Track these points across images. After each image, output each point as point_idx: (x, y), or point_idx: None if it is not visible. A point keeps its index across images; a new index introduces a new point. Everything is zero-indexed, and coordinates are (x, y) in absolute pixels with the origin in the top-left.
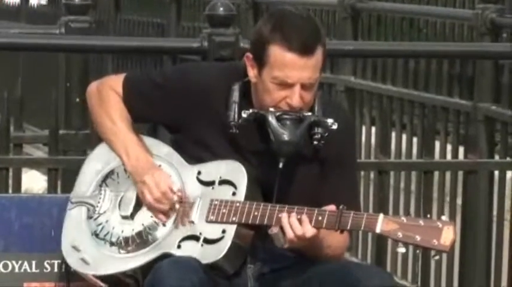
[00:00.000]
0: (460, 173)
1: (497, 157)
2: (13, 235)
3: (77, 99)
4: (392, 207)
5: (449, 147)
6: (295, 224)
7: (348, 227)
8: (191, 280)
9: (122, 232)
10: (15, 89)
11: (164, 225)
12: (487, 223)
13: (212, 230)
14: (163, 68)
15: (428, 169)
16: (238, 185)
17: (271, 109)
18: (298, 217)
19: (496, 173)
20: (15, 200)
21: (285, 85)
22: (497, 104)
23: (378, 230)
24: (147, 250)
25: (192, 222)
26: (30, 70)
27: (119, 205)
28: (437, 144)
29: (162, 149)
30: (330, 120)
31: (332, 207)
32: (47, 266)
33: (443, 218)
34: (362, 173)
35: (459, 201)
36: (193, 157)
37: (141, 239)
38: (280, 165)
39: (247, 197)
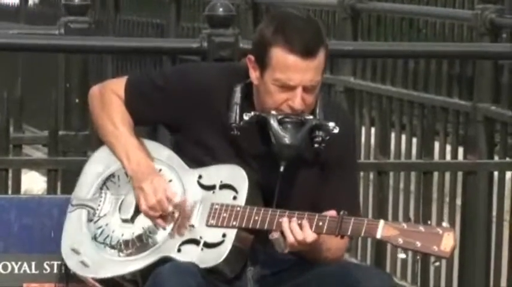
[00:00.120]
0: (460, 174)
1: (496, 158)
2: (13, 236)
3: (77, 100)
4: (392, 208)
5: (448, 147)
6: (295, 229)
7: (349, 233)
8: (190, 284)
9: (122, 235)
10: (15, 89)
11: (164, 229)
12: (486, 223)
13: (212, 234)
14: (164, 69)
15: (427, 169)
16: (239, 189)
17: (273, 112)
18: (299, 222)
19: (496, 173)
20: (14, 201)
21: (287, 87)
22: (496, 105)
23: (378, 236)
24: (147, 253)
25: (193, 226)
26: (30, 71)
27: (119, 208)
28: (436, 144)
29: (163, 153)
30: (331, 124)
31: (333, 212)
32: (47, 267)
33: (444, 224)
34: (361, 173)
35: (458, 202)
36: (194, 159)
37: (141, 243)
38: (281, 169)
39: (247, 202)
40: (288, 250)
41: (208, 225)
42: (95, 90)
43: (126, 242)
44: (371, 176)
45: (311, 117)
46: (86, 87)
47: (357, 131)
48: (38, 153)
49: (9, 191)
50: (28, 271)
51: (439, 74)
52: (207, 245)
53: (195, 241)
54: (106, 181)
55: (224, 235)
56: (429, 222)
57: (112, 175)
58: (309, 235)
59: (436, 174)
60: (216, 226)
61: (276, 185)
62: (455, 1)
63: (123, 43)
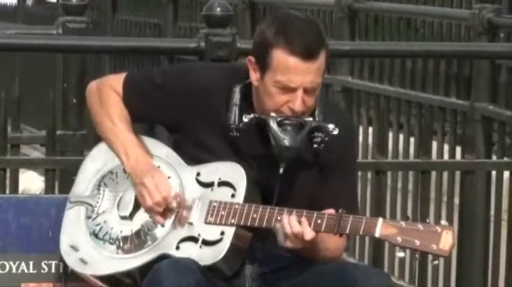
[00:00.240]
0: (458, 173)
1: (494, 157)
2: (10, 235)
3: (74, 100)
4: (390, 207)
5: (446, 147)
6: (293, 223)
7: (347, 231)
8: (188, 281)
9: (121, 232)
10: (13, 89)
11: (163, 226)
12: (484, 223)
13: (211, 232)
14: (163, 68)
15: (425, 169)
16: (238, 187)
17: (273, 114)
18: (298, 219)
19: (494, 173)
20: (12, 200)
21: (288, 89)
22: (494, 104)
23: (377, 235)
24: (146, 250)
25: (191, 223)
26: (28, 71)
27: (118, 205)
28: (434, 144)
29: (161, 150)
30: (330, 126)
31: (331, 210)
32: (45, 266)
33: (443, 222)
34: (359, 173)
35: (456, 201)
36: (192, 158)
37: (140, 240)
38: (281, 170)
39: (246, 199)
40: (285, 244)
41: (206, 222)
42: (92, 86)
43: (125, 239)
44: (369, 175)
45: (310, 119)
46: (84, 87)
47: (356, 132)
48: (36, 153)
49: (7, 191)
50: (26, 271)
51: (437, 74)
52: (206, 242)
53: (193, 239)
54: (104, 178)
55: (222, 233)
56: (428, 220)
57: (110, 172)
58: (307, 232)
59: (434, 173)
60: (215, 223)
61: (276, 187)
62: (452, 1)
63: (120, 43)
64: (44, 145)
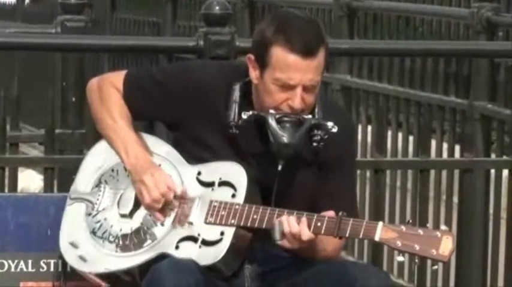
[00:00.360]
0: (456, 172)
1: (493, 156)
2: (9, 234)
3: (73, 99)
4: (389, 206)
5: (445, 145)
6: (292, 222)
7: (347, 235)
8: (188, 281)
9: (121, 230)
10: (12, 88)
11: (163, 225)
12: (483, 221)
13: (211, 232)
14: (164, 66)
15: (424, 167)
16: (238, 187)
17: (272, 111)
18: (297, 221)
19: (492, 171)
20: (11, 199)
21: (287, 87)
22: (493, 103)
23: (376, 238)
24: (145, 249)
25: (191, 223)
26: (26, 69)
27: (118, 203)
28: (433, 142)
29: (161, 148)
30: (330, 123)
31: (331, 213)
32: (43, 265)
33: (443, 227)
34: (358, 171)
35: (455, 199)
36: (193, 156)
37: (139, 238)
38: (280, 167)
39: (246, 200)
40: (282, 241)
41: (206, 222)
42: (93, 82)
43: (125, 237)
44: (368, 174)
45: (310, 116)
46: (83, 85)
47: (355, 131)
48: (35, 151)
49: (6, 190)
50: (25, 270)
51: (436, 72)
52: (205, 242)
53: (193, 238)
54: (105, 175)
55: (222, 233)
56: (428, 225)
57: (111, 169)
58: (305, 233)
59: (432, 172)
60: (215, 223)
61: (274, 184)
62: None
63: (119, 41)
64: (43, 144)
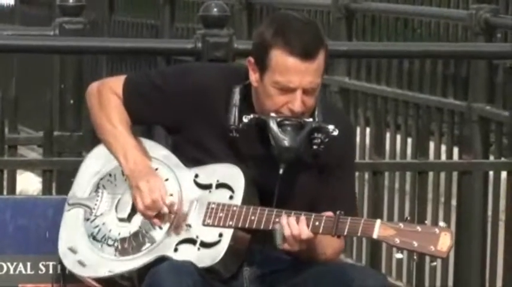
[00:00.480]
0: (455, 174)
1: (491, 158)
2: (8, 236)
3: (72, 101)
4: (387, 208)
5: (443, 147)
6: (292, 223)
7: (345, 233)
8: (187, 283)
9: (119, 234)
10: (10, 90)
11: (161, 228)
12: (481, 223)
13: (209, 234)
14: (163, 69)
15: (422, 169)
16: (236, 189)
17: (273, 114)
18: (296, 221)
19: (491, 173)
20: (9, 201)
21: (287, 90)
22: (491, 105)
23: (375, 236)
24: (144, 252)
25: (189, 225)
26: (25, 72)
27: (116, 207)
28: (431, 144)
29: (159, 152)
30: (330, 127)
31: (329, 213)
32: (42, 267)
33: (441, 224)
34: (357, 173)
35: (454, 202)
36: (191, 159)
37: (138, 242)
38: (281, 171)
39: (244, 201)
40: (283, 245)
41: (204, 224)
42: (93, 87)
43: (123, 241)
44: (366, 176)
45: (310, 119)
46: (81, 88)
47: (355, 133)
48: (33, 154)
49: (5, 192)
50: (23, 272)
51: (434, 74)
52: (204, 244)
53: (191, 241)
54: (103, 180)
55: (221, 235)
56: (426, 222)
57: (109, 174)
58: (305, 231)
59: (431, 174)
60: (213, 225)
61: (275, 187)
62: (449, 1)
63: (117, 44)
64: (41, 146)
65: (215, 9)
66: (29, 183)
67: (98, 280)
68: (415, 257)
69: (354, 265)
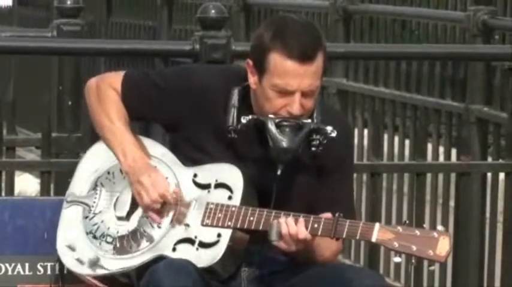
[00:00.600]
0: (453, 175)
1: (489, 159)
2: (6, 237)
3: (69, 102)
4: (385, 209)
5: (441, 149)
6: (290, 222)
7: (344, 236)
8: (186, 282)
9: (117, 232)
10: (8, 92)
11: (160, 227)
12: (479, 225)
13: (207, 234)
14: (163, 69)
15: (420, 171)
16: (234, 189)
17: (271, 115)
18: (295, 221)
19: (489, 175)
20: (8, 202)
21: (285, 93)
22: (489, 106)
23: (373, 239)
24: (142, 251)
25: (188, 225)
26: (23, 73)
27: (115, 206)
28: (429, 146)
29: (158, 150)
30: (329, 128)
31: (328, 214)
32: (40, 268)
33: (440, 228)
34: (355, 175)
35: (452, 203)
36: (189, 158)
37: (137, 240)
38: (279, 172)
39: (242, 202)
40: (279, 243)
41: (203, 225)
42: (92, 83)
43: (122, 240)
44: (364, 177)
45: (309, 121)
46: (79, 89)
47: (353, 135)
48: (31, 155)
49: (3, 193)
50: (22, 273)
51: (432, 76)
52: (202, 244)
53: (190, 240)
54: (101, 178)
55: (219, 235)
56: (424, 226)
57: (107, 172)
58: (302, 230)
59: (429, 175)
60: (211, 225)
61: (273, 188)
62: (447, 2)
63: (115, 45)
64: (40, 147)
65: (213, 11)
66: (27, 184)
67: (97, 277)
68: (413, 261)
69: (352, 265)
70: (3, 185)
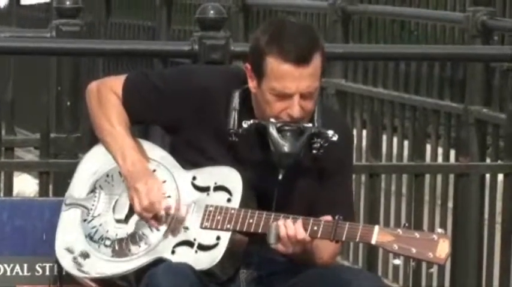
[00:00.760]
0: (452, 176)
1: (488, 160)
2: (5, 238)
3: (68, 103)
4: (383, 210)
5: (440, 150)
6: (289, 224)
7: (343, 238)
8: (184, 286)
9: (116, 235)
10: (7, 92)
11: (158, 230)
12: (478, 226)
13: (206, 237)
14: (163, 70)
15: (419, 171)
16: (234, 191)
17: (272, 120)
18: (294, 223)
19: (488, 176)
20: (6, 203)
21: (284, 96)
22: (488, 107)
23: (373, 242)
24: (141, 254)
25: (187, 227)
26: (22, 74)
27: (113, 208)
28: (428, 147)
29: (157, 153)
30: (330, 132)
31: (327, 217)
32: (39, 269)
33: (439, 230)
34: (353, 176)
35: (450, 204)
36: (189, 161)
37: (135, 243)
38: (280, 176)
39: (242, 204)
40: (277, 245)
41: (202, 227)
42: (93, 86)
43: (120, 242)
44: (362, 178)
45: (310, 125)
46: (78, 90)
47: (353, 138)
48: (30, 155)
49: (1, 194)
50: (20, 273)
51: (431, 77)
52: (201, 247)
53: (189, 243)
54: (100, 181)
55: (218, 238)
56: (424, 229)
57: (106, 175)
58: (300, 232)
59: (427, 176)
60: (210, 228)
61: (274, 192)
62: (446, 3)
63: (114, 46)
64: (38, 148)
65: (212, 12)
66: (25, 185)
67: (95, 280)
68: (412, 263)
69: (350, 267)
70: (1, 185)
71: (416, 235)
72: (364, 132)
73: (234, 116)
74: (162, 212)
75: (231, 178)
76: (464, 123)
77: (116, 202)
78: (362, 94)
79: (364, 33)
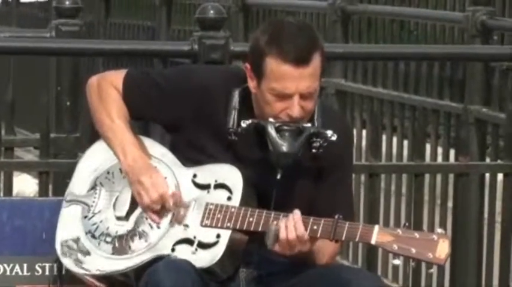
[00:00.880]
0: (451, 176)
1: (488, 160)
2: (4, 237)
3: (68, 103)
4: (383, 210)
5: (440, 150)
6: (290, 228)
7: (343, 238)
8: (185, 281)
9: (116, 232)
10: (6, 92)
11: (159, 227)
12: (478, 225)
13: (206, 235)
14: (163, 69)
15: (419, 171)
16: (234, 189)
17: (271, 120)
18: (294, 225)
19: (487, 175)
20: (6, 203)
21: (284, 96)
22: (488, 107)
23: (373, 242)
24: (141, 251)
25: (187, 225)
26: (21, 74)
27: (114, 205)
28: (428, 147)
29: (158, 150)
30: (329, 132)
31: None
32: (38, 269)
33: (439, 230)
34: (353, 175)
35: (450, 204)
36: (189, 159)
37: (135, 240)
38: (278, 176)
39: (242, 202)
40: (274, 247)
41: (202, 225)
42: (93, 81)
43: (121, 239)
44: (362, 178)
45: (309, 125)
46: (77, 90)
47: (353, 138)
48: (30, 155)
49: (1, 194)
50: (20, 273)
51: (430, 76)
52: (201, 245)
53: (189, 241)
54: (100, 177)
55: (218, 236)
56: (425, 229)
57: (107, 172)
58: (302, 236)
59: (427, 176)
60: (211, 226)
61: (273, 191)
62: (446, 3)
63: (114, 46)
64: (38, 148)
65: (212, 11)
66: (25, 185)
67: (96, 277)
68: (412, 263)
69: (350, 267)
70: (1, 185)
71: (416, 235)
72: (364, 132)
73: (234, 115)
74: (171, 203)
75: (232, 175)
76: (463, 123)
77: (116, 199)
78: (362, 94)
79: (363, 33)
